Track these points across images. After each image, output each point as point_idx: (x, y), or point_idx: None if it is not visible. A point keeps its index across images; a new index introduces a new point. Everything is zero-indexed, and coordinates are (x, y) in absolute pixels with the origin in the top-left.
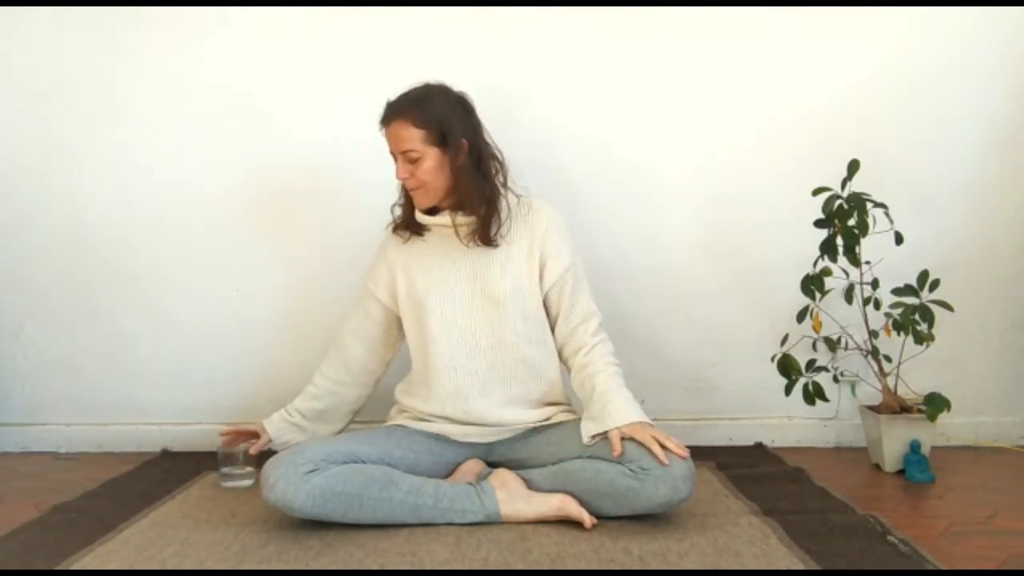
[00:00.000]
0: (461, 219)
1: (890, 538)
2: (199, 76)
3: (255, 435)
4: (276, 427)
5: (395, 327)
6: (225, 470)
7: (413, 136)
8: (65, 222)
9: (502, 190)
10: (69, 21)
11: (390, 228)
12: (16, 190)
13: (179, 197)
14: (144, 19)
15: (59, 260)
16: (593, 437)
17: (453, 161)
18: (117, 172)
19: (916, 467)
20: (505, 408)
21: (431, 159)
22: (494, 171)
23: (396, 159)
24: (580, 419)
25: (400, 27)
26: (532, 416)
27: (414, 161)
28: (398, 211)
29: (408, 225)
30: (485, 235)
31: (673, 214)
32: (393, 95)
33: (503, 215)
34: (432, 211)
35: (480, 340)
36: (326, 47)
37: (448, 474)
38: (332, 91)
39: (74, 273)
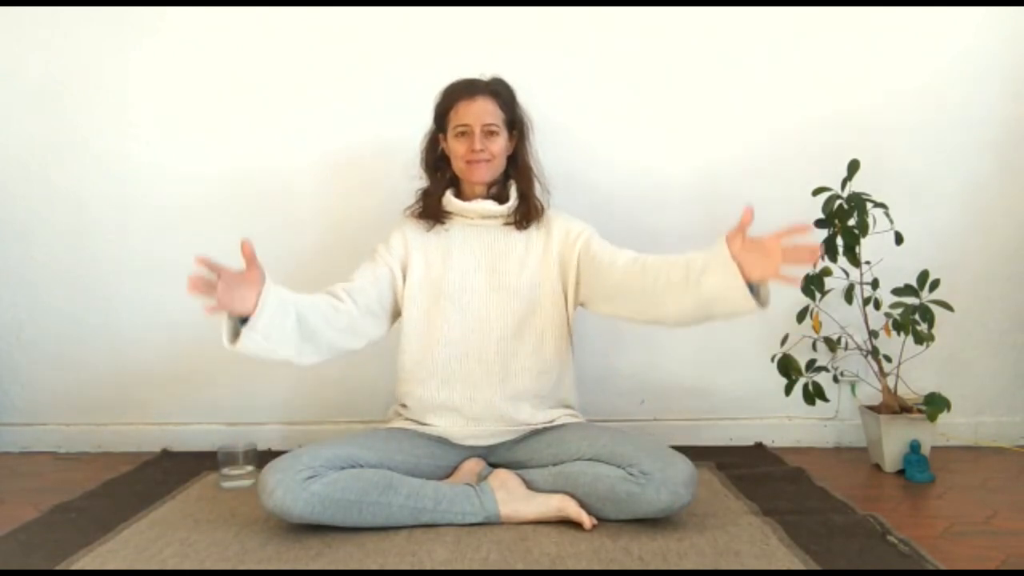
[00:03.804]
0: (493, 208)
1: (890, 538)
2: (200, 75)
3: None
4: (274, 296)
5: (385, 313)
6: (225, 470)
7: (497, 113)
8: (65, 222)
9: (537, 184)
10: (70, 19)
11: (407, 213)
12: (17, 190)
13: (179, 196)
14: (144, 17)
15: (59, 260)
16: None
17: (511, 147)
18: (118, 172)
19: (916, 467)
20: (512, 402)
21: (503, 139)
22: (534, 169)
23: (468, 133)
24: (582, 422)
25: (404, 29)
26: (537, 417)
27: (490, 136)
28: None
29: (433, 213)
30: (519, 220)
31: (673, 214)
32: (400, 92)
33: (535, 205)
34: (463, 199)
35: (494, 330)
36: (328, 48)
37: (448, 475)
38: (333, 91)
39: (74, 273)
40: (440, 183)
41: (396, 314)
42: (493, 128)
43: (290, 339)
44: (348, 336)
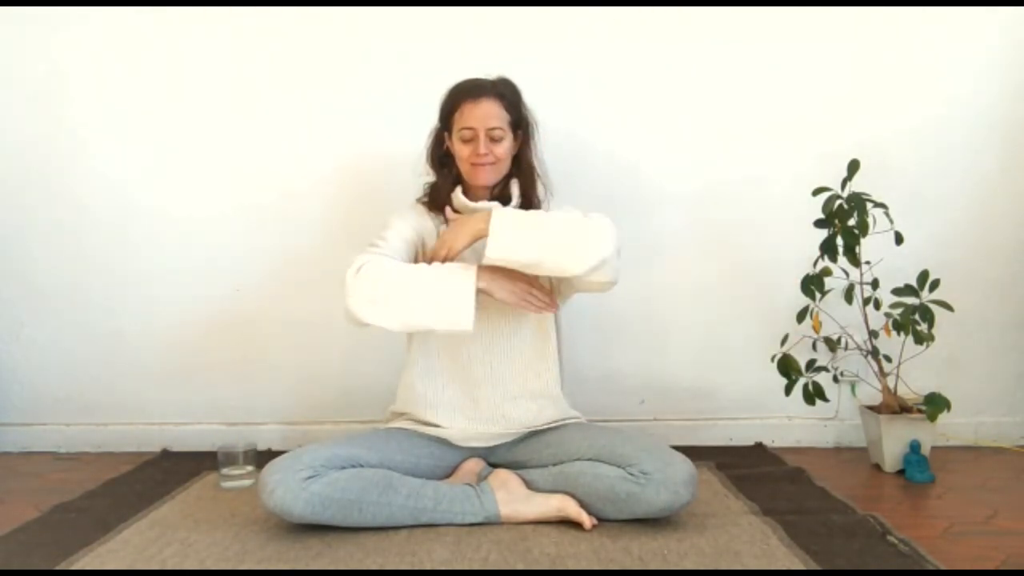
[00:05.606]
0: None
1: (890, 538)
2: (199, 76)
3: None
4: None
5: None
6: (225, 470)
7: (502, 115)
8: (65, 222)
9: (540, 185)
10: (70, 20)
11: (418, 202)
12: (16, 190)
13: (179, 197)
14: (142, 19)
15: (59, 260)
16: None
17: (517, 148)
18: (117, 172)
19: (916, 467)
20: (514, 402)
21: (508, 141)
22: (537, 170)
23: (472, 135)
24: (582, 422)
25: (404, 31)
26: (538, 419)
27: (495, 139)
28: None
29: (443, 207)
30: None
31: (673, 214)
32: (401, 96)
33: (535, 204)
34: (468, 198)
35: (497, 331)
36: (327, 48)
37: (448, 475)
38: (333, 92)
39: (74, 273)
40: (448, 178)
41: None
42: (498, 131)
43: None
44: None
